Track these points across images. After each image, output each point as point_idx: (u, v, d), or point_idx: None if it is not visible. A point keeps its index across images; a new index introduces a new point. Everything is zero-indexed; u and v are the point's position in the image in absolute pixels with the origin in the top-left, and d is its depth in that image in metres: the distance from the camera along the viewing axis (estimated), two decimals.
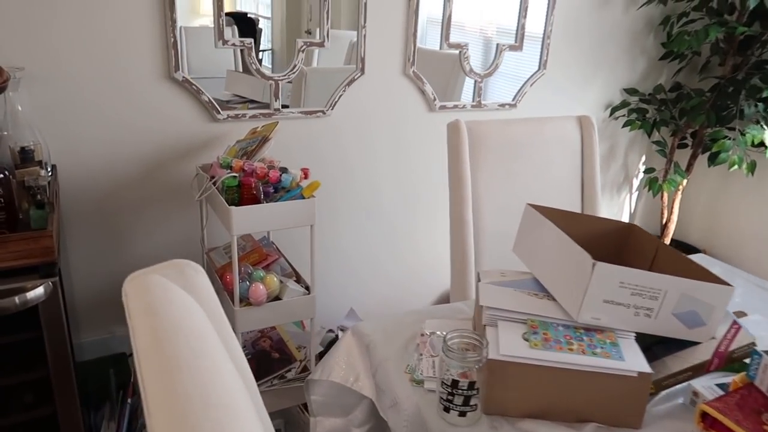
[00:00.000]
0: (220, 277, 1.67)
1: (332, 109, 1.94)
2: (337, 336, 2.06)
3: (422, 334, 1.17)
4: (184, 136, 1.77)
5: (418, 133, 2.14)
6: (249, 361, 1.89)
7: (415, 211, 2.26)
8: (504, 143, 1.55)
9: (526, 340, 0.95)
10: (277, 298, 1.57)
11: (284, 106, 1.87)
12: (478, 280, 1.19)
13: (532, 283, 1.13)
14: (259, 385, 1.70)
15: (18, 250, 1.15)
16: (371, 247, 2.22)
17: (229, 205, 1.42)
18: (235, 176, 1.49)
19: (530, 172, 1.58)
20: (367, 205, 2.14)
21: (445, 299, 2.47)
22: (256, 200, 1.52)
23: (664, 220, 2.66)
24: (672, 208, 2.61)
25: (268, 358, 1.79)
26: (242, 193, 1.52)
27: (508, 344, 0.94)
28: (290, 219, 1.49)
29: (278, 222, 1.48)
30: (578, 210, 1.66)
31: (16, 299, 1.10)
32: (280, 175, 1.50)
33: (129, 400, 1.64)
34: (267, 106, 1.85)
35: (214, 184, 1.54)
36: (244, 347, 1.85)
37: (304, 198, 1.49)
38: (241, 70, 1.84)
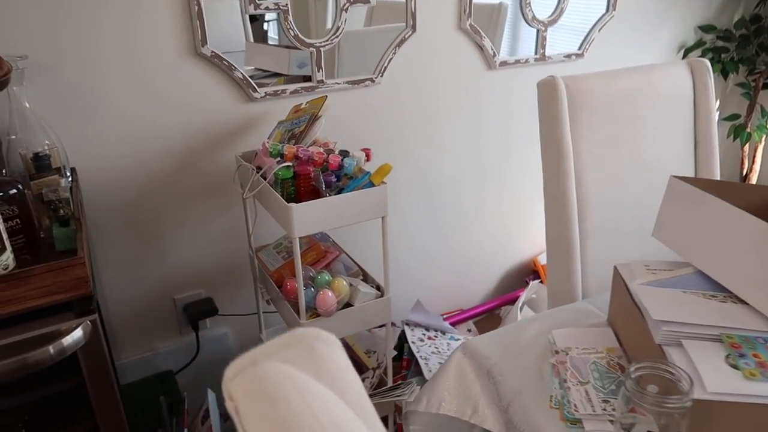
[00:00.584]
0: (276, 284, 1.44)
1: (381, 76, 1.68)
2: (402, 331, 1.84)
3: (556, 352, 0.93)
4: (218, 121, 1.52)
5: (478, 95, 1.87)
6: None
7: (480, 183, 2.01)
8: (608, 101, 1.28)
9: (735, 367, 0.71)
10: (348, 304, 1.34)
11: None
12: (620, 277, 0.95)
13: (698, 279, 0.89)
14: None
15: (45, 285, 0.92)
16: (433, 228, 1.98)
17: (288, 202, 1.18)
18: (289, 166, 1.25)
19: (639, 133, 1.32)
20: (426, 180, 1.88)
21: (512, 276, 2.23)
22: (315, 193, 1.28)
23: (745, 171, 2.38)
24: (754, 157, 2.33)
25: None
26: (299, 185, 1.27)
27: (714, 376, 0.70)
28: (360, 212, 1.24)
29: (346, 217, 1.23)
30: (691, 174, 1.40)
31: (51, 349, 0.87)
32: (342, 159, 1.25)
33: (186, 431, 1.43)
34: (308, 78, 1.59)
35: (264, 177, 1.30)
36: None
37: (373, 185, 1.25)
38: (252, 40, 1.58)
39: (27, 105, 1.16)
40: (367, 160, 1.32)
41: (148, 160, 1.48)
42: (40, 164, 1.11)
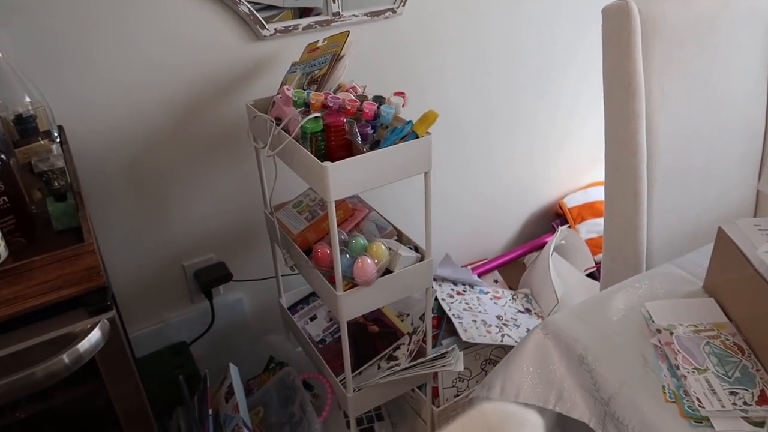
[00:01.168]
0: (301, 248, 1.29)
1: (403, 6, 1.47)
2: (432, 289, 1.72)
3: (658, 330, 0.81)
4: (223, 65, 1.32)
5: (517, 23, 1.67)
6: (329, 347, 1.53)
7: (511, 123, 1.84)
8: (683, 26, 1.10)
9: None
10: (387, 270, 1.19)
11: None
12: (727, 240, 0.81)
13: None
14: (359, 374, 1.37)
15: (50, 279, 0.76)
16: (459, 173, 1.82)
17: (322, 161, 1.01)
18: (318, 117, 1.07)
19: (713, 65, 1.16)
20: (454, 123, 1.71)
21: (536, 221, 2.11)
22: (348, 148, 1.11)
23: None
24: None
25: (365, 335, 1.45)
26: (329, 140, 1.10)
27: None
28: (402, 168, 1.08)
29: (388, 175, 1.07)
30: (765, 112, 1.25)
31: (65, 358, 0.72)
32: (378, 107, 1.08)
33: (210, 411, 1.31)
34: (308, 11, 1.38)
35: (287, 130, 1.12)
36: (324, 331, 1.51)
37: (417, 137, 1.08)
38: None
39: (0, 55, 0.96)
40: (403, 105, 1.15)
41: (146, 113, 1.28)
42: (24, 128, 0.92)
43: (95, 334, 0.76)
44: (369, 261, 1.14)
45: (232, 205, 1.49)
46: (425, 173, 1.13)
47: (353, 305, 1.16)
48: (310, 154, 1.05)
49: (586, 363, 0.79)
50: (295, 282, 1.59)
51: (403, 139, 1.07)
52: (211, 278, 1.52)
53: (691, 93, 1.15)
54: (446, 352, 1.25)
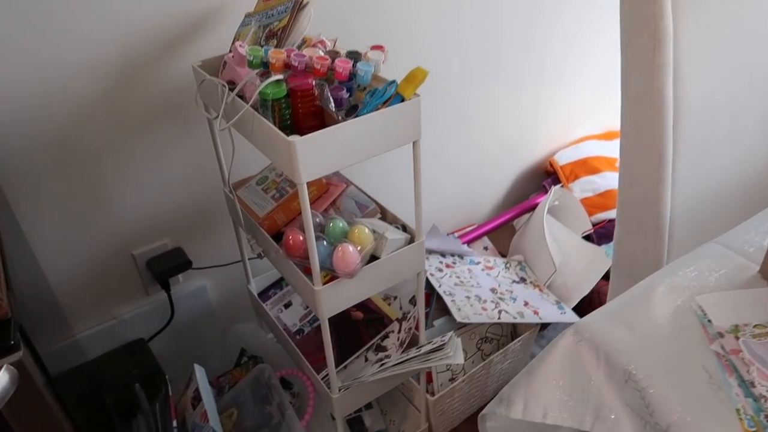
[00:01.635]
0: (269, 232, 1.10)
1: None
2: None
3: (720, 334, 0.65)
4: (161, 19, 1.09)
5: None
6: (308, 338, 1.36)
7: (493, 76, 1.64)
8: None
9: None
10: (372, 257, 1.02)
11: None
12: None
13: None
14: (344, 368, 1.21)
15: None
16: (437, 133, 1.64)
17: (287, 133, 0.82)
18: (280, 80, 0.87)
19: (747, 8, 0.98)
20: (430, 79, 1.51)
21: (525, 180, 1.94)
22: (319, 116, 0.91)
23: None
24: None
25: (348, 322, 1.29)
26: (296, 107, 0.90)
27: None
28: (387, 139, 0.89)
29: (370, 147, 0.88)
30: None
31: None
32: (353, 64, 0.88)
33: (174, 423, 1.15)
34: None
35: (242, 97, 0.92)
36: (301, 320, 1.34)
37: (403, 99, 0.88)
38: None
39: None
40: (384, 61, 0.95)
41: (68, 79, 1.06)
42: None
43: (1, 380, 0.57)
44: (350, 248, 0.96)
45: (184, 183, 1.28)
46: (414, 143, 0.94)
47: (334, 300, 0.99)
48: (272, 125, 0.85)
49: (634, 380, 0.64)
50: (264, 265, 1.41)
51: (386, 103, 0.88)
52: (167, 267, 1.33)
53: (721, 39, 0.97)
54: (444, 343, 1.09)
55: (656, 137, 0.96)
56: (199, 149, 1.26)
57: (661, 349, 0.65)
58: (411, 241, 1.06)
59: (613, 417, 0.67)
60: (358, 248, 0.97)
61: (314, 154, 0.83)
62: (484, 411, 0.79)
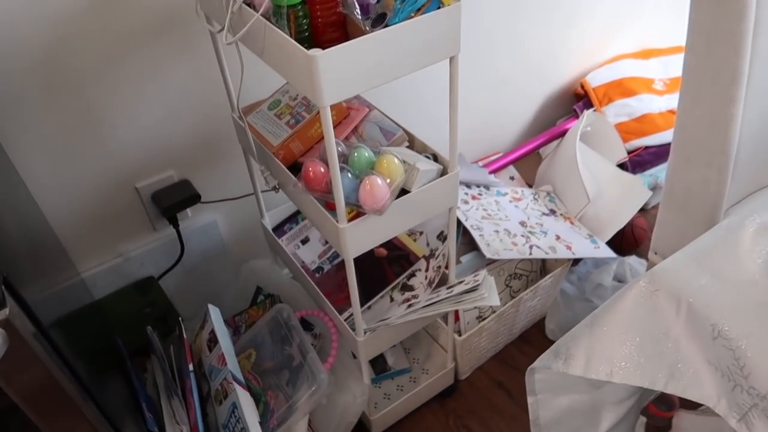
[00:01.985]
0: (284, 162, 0.99)
1: None
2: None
3: None
4: None
5: None
6: (328, 276, 1.27)
7: None
8: None
9: None
10: (403, 190, 0.91)
11: None
12: None
13: None
14: (368, 309, 1.14)
15: None
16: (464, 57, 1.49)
17: (306, 47, 0.69)
18: None
19: None
20: None
21: (554, 104, 1.81)
22: (342, 26, 0.78)
23: None
24: None
25: (371, 260, 1.20)
26: (314, 16, 0.77)
27: None
28: (422, 53, 0.77)
29: (403, 63, 0.76)
30: None
31: None
32: None
33: (191, 367, 1.08)
34: None
35: (252, 5, 0.78)
36: (320, 257, 1.25)
37: (440, 6, 0.75)
38: None
39: None
40: None
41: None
42: None
43: None
44: (379, 181, 0.85)
45: (188, 109, 1.16)
46: (451, 58, 0.81)
47: (360, 238, 0.89)
48: (287, 37, 0.72)
49: (725, 338, 0.54)
50: (279, 197, 1.31)
51: (421, 10, 0.75)
52: (174, 201, 1.23)
53: None
54: (478, 284, 1.01)
55: (731, 49, 0.82)
56: (202, 69, 1.13)
57: (757, 303, 0.56)
58: (444, 172, 0.95)
59: (689, 373, 0.58)
60: (387, 181, 0.86)
61: (339, 72, 0.70)
62: (535, 364, 0.70)
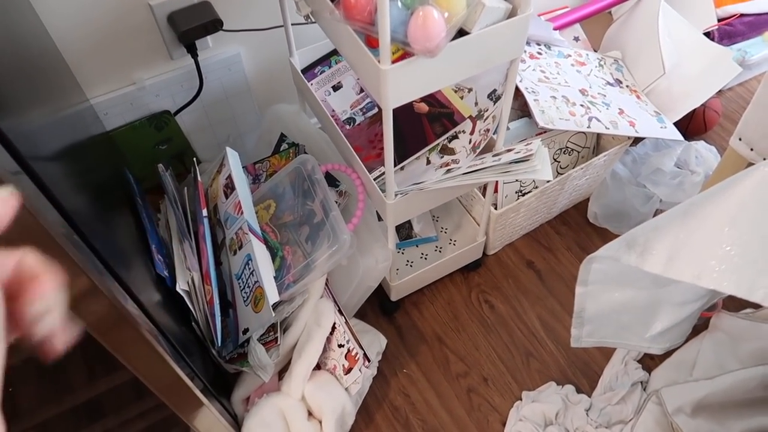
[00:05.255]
0: None
1: None
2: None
3: None
4: None
5: None
6: (359, 129, 1.13)
7: None
8: None
9: None
10: (461, 31, 0.75)
11: None
12: None
13: None
14: (400, 170, 1.02)
15: None
16: None
17: None
18: None
19: None
20: None
21: None
22: None
23: None
24: None
25: (410, 115, 1.06)
26: None
27: None
28: None
29: None
30: None
31: None
32: None
33: (205, 212, 1.00)
34: None
35: None
36: (352, 107, 1.11)
37: None
38: None
39: None
40: None
41: None
42: None
43: None
44: (435, 14, 0.69)
45: None
46: None
47: (405, 84, 0.75)
48: None
49: None
50: (313, 32, 1.14)
51: None
52: (193, 25, 1.08)
53: None
54: (531, 153, 0.87)
55: None
56: None
57: None
58: (513, 13, 0.77)
59: None
60: (445, 15, 0.70)
61: None
62: (599, 252, 0.59)
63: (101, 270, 0.60)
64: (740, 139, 0.97)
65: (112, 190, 0.99)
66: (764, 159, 0.93)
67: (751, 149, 0.95)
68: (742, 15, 1.39)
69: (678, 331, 0.76)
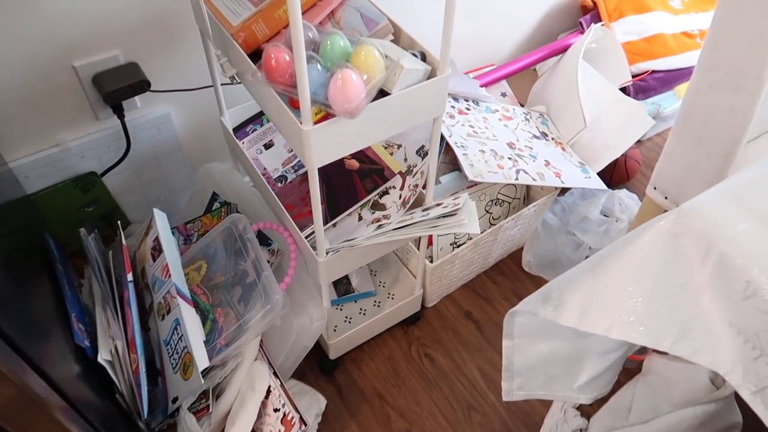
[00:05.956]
0: (245, 48, 0.83)
1: None
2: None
3: None
4: None
5: None
6: (291, 187, 1.14)
7: None
8: None
9: None
10: (381, 91, 0.77)
11: None
12: None
13: None
14: (332, 226, 1.02)
15: None
16: None
17: None
18: None
19: None
20: None
21: (556, 15, 1.64)
22: None
23: None
24: None
25: (341, 172, 1.07)
26: None
27: None
28: None
29: None
30: None
31: None
32: None
33: (130, 276, 0.96)
34: None
35: None
36: (284, 165, 1.12)
37: None
38: None
39: None
40: None
41: None
42: None
43: None
44: (354, 77, 0.70)
45: None
46: None
47: (328, 145, 0.76)
48: None
49: (761, 298, 0.44)
50: (244, 91, 1.15)
51: None
52: (119, 86, 1.07)
53: None
54: (458, 208, 0.89)
55: None
56: None
57: None
58: (432, 75, 0.80)
59: (703, 334, 0.48)
60: (364, 77, 0.72)
61: None
62: (518, 307, 0.60)
63: (6, 350, 0.57)
64: (655, 188, 1.02)
65: (30, 257, 0.94)
66: (677, 206, 0.97)
67: (666, 197, 1.00)
68: (653, 71, 1.49)
69: (604, 380, 0.77)
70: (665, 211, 1.00)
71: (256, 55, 0.83)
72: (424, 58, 0.82)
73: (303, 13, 0.82)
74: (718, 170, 0.89)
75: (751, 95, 0.79)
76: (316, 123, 0.73)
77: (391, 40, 0.85)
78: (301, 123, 0.72)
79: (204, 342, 0.94)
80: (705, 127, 0.88)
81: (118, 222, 1.02)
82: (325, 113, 0.74)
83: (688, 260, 0.48)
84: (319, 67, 0.72)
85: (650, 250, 0.50)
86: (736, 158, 0.87)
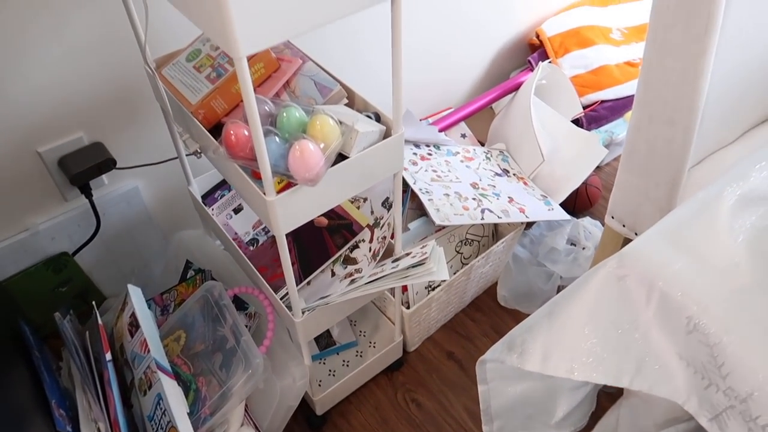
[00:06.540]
0: (205, 124, 0.86)
1: None
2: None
3: None
4: None
5: None
6: (263, 249, 1.17)
7: None
8: None
9: None
10: (340, 155, 0.80)
11: None
12: None
13: None
14: (307, 284, 1.04)
15: None
16: (406, 2, 1.36)
17: None
18: None
19: None
20: None
21: (507, 55, 1.71)
22: None
23: None
24: None
25: (311, 230, 1.09)
26: None
27: None
28: None
29: (334, 2, 0.63)
30: None
31: None
32: None
33: (108, 355, 0.97)
34: None
35: None
36: (254, 227, 1.14)
37: None
38: None
39: None
40: None
41: None
42: None
43: None
44: (311, 146, 0.74)
45: (94, 57, 1.01)
46: (392, 0, 0.69)
47: (293, 211, 0.78)
48: None
49: (702, 332, 0.47)
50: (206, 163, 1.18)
51: None
52: (86, 167, 1.08)
53: None
54: (425, 257, 0.92)
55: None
56: (108, 10, 0.97)
57: (739, 290, 0.48)
58: (387, 134, 0.84)
59: (657, 368, 0.51)
60: (321, 146, 0.75)
61: (257, 13, 0.58)
62: (486, 356, 0.62)
63: None
64: (613, 217, 1.06)
65: (4, 345, 0.94)
66: (636, 234, 1.02)
67: (623, 225, 1.04)
68: (603, 101, 1.55)
69: (579, 414, 0.79)
70: (626, 239, 1.04)
71: (217, 129, 0.87)
72: (378, 118, 0.86)
73: (258, 86, 0.86)
74: (667, 197, 0.93)
75: (685, 127, 0.85)
76: (279, 192, 0.75)
77: (346, 104, 0.89)
78: (264, 194, 0.75)
79: (188, 413, 0.94)
80: (649, 158, 0.93)
81: (93, 302, 1.03)
82: (287, 182, 0.77)
83: (634, 301, 0.52)
84: (277, 139, 0.75)
85: (599, 294, 0.53)
86: (682, 184, 0.91)
